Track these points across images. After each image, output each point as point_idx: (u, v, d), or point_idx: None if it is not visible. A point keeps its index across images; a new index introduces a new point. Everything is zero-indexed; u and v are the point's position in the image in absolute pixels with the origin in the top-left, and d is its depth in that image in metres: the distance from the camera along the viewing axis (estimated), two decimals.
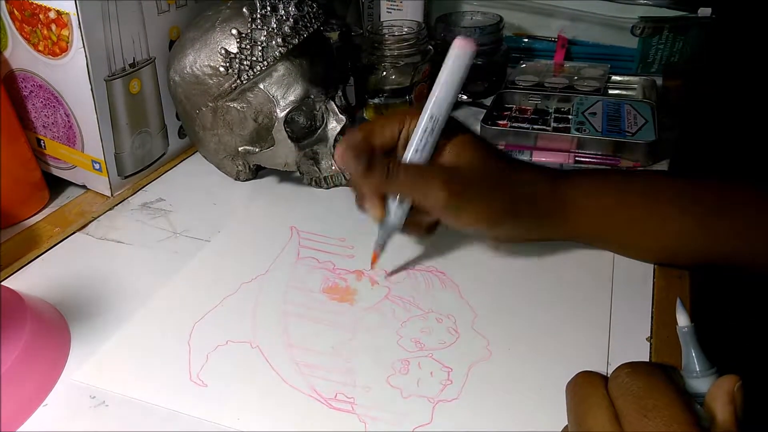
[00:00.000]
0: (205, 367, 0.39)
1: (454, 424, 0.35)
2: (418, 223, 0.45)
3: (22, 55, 0.53)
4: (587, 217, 0.45)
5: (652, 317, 0.42)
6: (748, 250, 0.43)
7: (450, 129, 0.43)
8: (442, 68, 0.41)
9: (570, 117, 0.65)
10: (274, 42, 0.52)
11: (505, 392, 0.37)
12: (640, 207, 0.45)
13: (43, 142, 0.57)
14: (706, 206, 0.44)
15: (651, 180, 0.48)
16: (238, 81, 0.53)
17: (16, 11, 0.51)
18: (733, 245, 0.44)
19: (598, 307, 0.43)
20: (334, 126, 0.56)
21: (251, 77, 0.52)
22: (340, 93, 0.58)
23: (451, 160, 0.42)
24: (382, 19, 0.80)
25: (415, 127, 0.42)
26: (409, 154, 0.42)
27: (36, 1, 0.49)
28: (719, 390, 0.25)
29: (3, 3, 0.51)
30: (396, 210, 0.43)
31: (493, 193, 0.43)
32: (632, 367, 0.26)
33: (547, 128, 0.63)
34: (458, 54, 0.40)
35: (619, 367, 0.27)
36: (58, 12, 0.49)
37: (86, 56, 0.50)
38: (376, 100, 0.69)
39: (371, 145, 0.42)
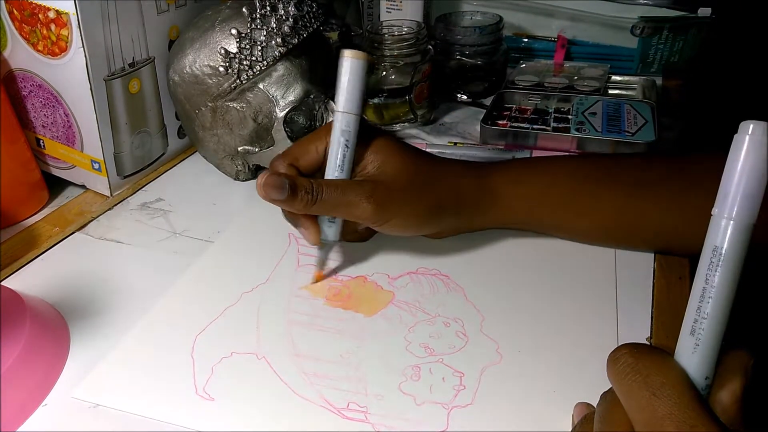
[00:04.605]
0: (211, 380, 0.38)
1: (470, 430, 0.35)
2: (353, 231, 0.46)
3: (21, 55, 0.53)
4: (517, 202, 0.46)
5: (652, 317, 0.42)
6: (673, 223, 0.44)
7: (370, 138, 0.43)
8: (338, 82, 0.41)
9: (570, 117, 0.65)
10: (273, 42, 0.52)
11: (519, 395, 0.36)
12: (569, 188, 0.46)
13: (43, 142, 0.57)
14: (632, 182, 0.46)
15: (579, 162, 0.49)
16: (238, 81, 0.52)
17: (15, 11, 0.51)
18: (660, 221, 0.45)
19: (603, 307, 0.43)
20: None
21: (251, 77, 0.52)
22: None
23: (374, 171, 0.43)
24: (381, 19, 0.80)
25: None
26: (330, 172, 0.42)
27: (35, 1, 0.49)
28: (735, 361, 0.25)
29: (2, 3, 0.51)
30: (329, 225, 0.44)
31: (419, 196, 0.43)
32: (633, 347, 0.26)
33: (547, 128, 0.63)
34: (350, 64, 0.40)
35: (616, 349, 0.26)
36: (58, 12, 0.49)
37: (85, 56, 0.50)
38: (376, 100, 0.69)
39: (295, 168, 0.42)
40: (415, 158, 0.44)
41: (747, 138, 0.23)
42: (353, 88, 0.41)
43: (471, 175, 0.46)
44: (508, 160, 0.50)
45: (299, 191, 0.40)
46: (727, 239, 0.24)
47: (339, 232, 0.44)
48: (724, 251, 0.24)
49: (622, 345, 0.27)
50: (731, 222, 0.24)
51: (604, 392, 0.28)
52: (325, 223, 0.44)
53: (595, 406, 0.29)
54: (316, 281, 0.46)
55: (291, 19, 0.52)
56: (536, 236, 0.50)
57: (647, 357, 0.25)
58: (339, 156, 0.42)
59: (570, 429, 0.34)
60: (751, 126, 0.23)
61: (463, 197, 0.45)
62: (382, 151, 0.43)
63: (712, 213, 0.25)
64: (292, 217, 0.44)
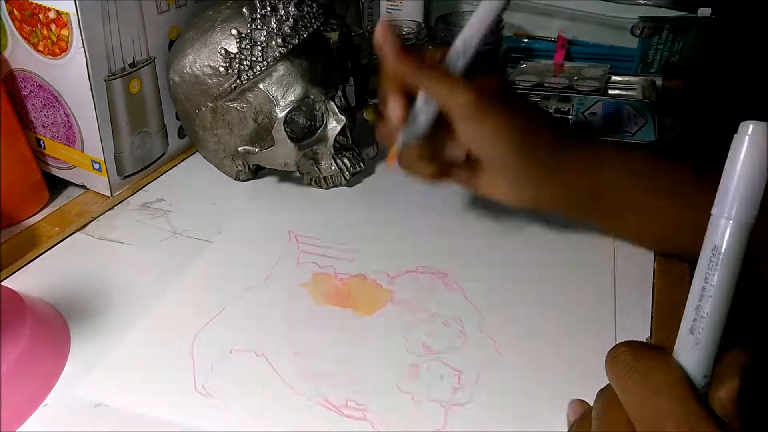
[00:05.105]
0: (211, 379, 0.38)
1: (468, 428, 0.35)
2: (430, 160, 0.43)
3: (21, 55, 0.53)
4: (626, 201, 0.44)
5: (651, 318, 0.42)
6: (683, 228, 0.43)
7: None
8: (474, 14, 0.41)
9: (570, 117, 0.65)
10: (273, 42, 0.52)
11: (518, 394, 0.37)
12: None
13: (43, 142, 0.57)
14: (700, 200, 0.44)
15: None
16: (238, 81, 0.53)
17: (15, 11, 0.51)
18: (673, 226, 0.44)
19: (603, 307, 0.43)
20: (333, 126, 0.56)
21: (251, 77, 0.52)
22: (339, 93, 0.58)
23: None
24: (382, 19, 0.80)
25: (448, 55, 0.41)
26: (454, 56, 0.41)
27: (36, 1, 0.49)
28: (734, 360, 0.25)
29: (3, 3, 0.51)
30: (420, 113, 0.42)
31: (522, 122, 0.41)
32: (632, 345, 0.26)
33: None
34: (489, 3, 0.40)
35: (615, 347, 0.26)
36: (58, 12, 0.49)
37: (86, 56, 0.50)
38: (376, 100, 0.69)
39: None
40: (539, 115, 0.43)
41: (746, 138, 0.23)
42: (479, 22, 0.41)
43: (577, 144, 0.44)
44: (626, 151, 0.47)
45: (412, 52, 0.40)
46: (726, 239, 0.24)
47: (427, 123, 0.42)
48: (723, 251, 0.24)
49: (620, 343, 0.27)
50: (730, 221, 0.24)
51: (601, 390, 0.28)
52: (417, 111, 0.42)
53: (590, 403, 0.29)
54: (389, 163, 0.44)
55: (291, 20, 0.52)
56: (536, 236, 0.50)
57: (646, 355, 0.25)
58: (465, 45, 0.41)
59: (567, 428, 0.34)
60: (751, 126, 0.23)
61: (570, 166, 0.43)
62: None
63: (711, 213, 0.24)
64: (384, 91, 0.42)
